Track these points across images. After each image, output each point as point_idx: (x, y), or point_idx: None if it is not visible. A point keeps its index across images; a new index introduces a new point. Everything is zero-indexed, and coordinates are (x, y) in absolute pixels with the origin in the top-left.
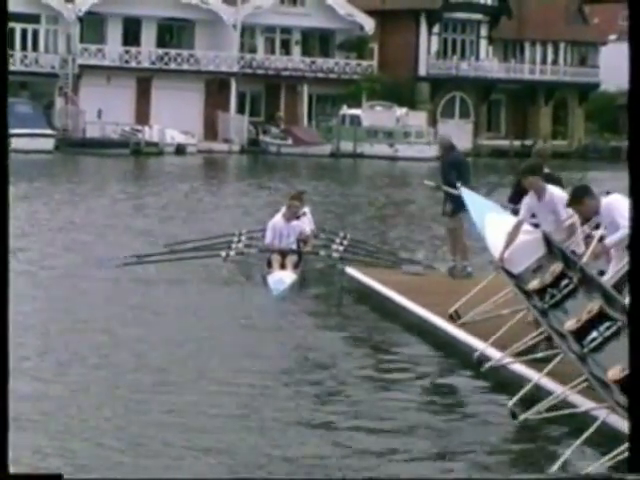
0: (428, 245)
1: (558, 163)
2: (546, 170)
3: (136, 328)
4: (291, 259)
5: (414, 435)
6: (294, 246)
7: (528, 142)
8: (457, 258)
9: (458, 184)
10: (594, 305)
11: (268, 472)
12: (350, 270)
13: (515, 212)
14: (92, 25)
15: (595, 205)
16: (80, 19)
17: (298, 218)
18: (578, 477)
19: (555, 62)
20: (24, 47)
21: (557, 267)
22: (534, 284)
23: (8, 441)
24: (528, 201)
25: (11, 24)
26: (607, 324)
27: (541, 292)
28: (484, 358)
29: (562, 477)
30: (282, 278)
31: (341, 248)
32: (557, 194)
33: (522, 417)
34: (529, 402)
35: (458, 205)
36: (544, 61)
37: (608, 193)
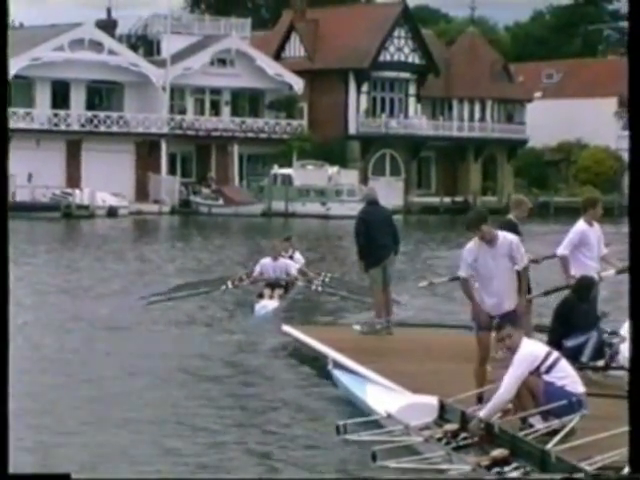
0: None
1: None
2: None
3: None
4: (277, 290)
5: None
6: (281, 280)
7: (458, 198)
8: (382, 314)
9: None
10: (500, 453)
11: None
12: (287, 328)
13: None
14: (20, 89)
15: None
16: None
17: (292, 258)
18: (584, 478)
19: (482, 119)
20: None
21: (451, 427)
22: (425, 434)
23: (8, 441)
24: (471, 249)
25: None
26: (514, 465)
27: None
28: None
29: (565, 478)
30: (265, 305)
31: (321, 283)
32: (513, 238)
33: None
34: None
35: (367, 262)
36: (472, 118)
37: None
